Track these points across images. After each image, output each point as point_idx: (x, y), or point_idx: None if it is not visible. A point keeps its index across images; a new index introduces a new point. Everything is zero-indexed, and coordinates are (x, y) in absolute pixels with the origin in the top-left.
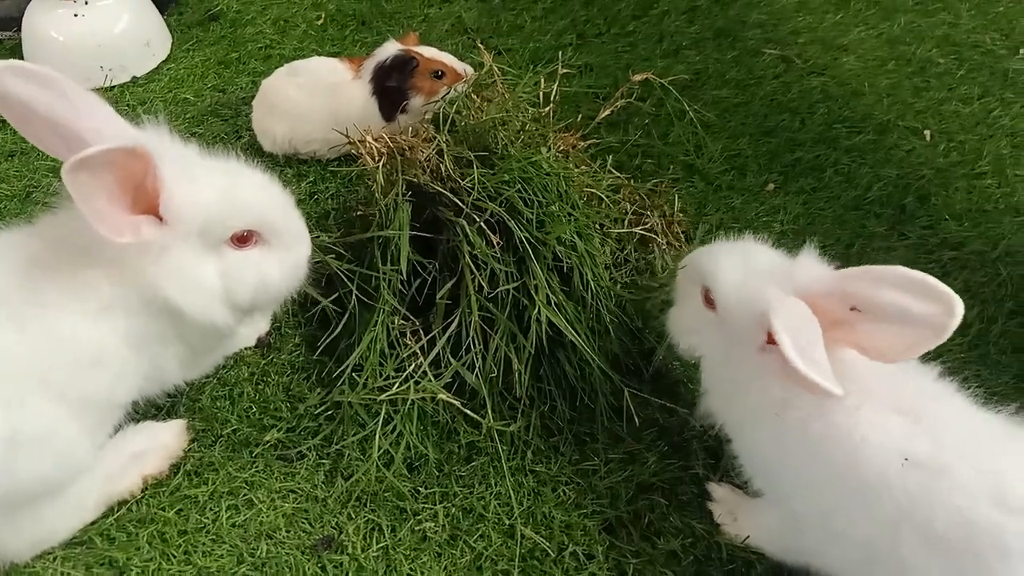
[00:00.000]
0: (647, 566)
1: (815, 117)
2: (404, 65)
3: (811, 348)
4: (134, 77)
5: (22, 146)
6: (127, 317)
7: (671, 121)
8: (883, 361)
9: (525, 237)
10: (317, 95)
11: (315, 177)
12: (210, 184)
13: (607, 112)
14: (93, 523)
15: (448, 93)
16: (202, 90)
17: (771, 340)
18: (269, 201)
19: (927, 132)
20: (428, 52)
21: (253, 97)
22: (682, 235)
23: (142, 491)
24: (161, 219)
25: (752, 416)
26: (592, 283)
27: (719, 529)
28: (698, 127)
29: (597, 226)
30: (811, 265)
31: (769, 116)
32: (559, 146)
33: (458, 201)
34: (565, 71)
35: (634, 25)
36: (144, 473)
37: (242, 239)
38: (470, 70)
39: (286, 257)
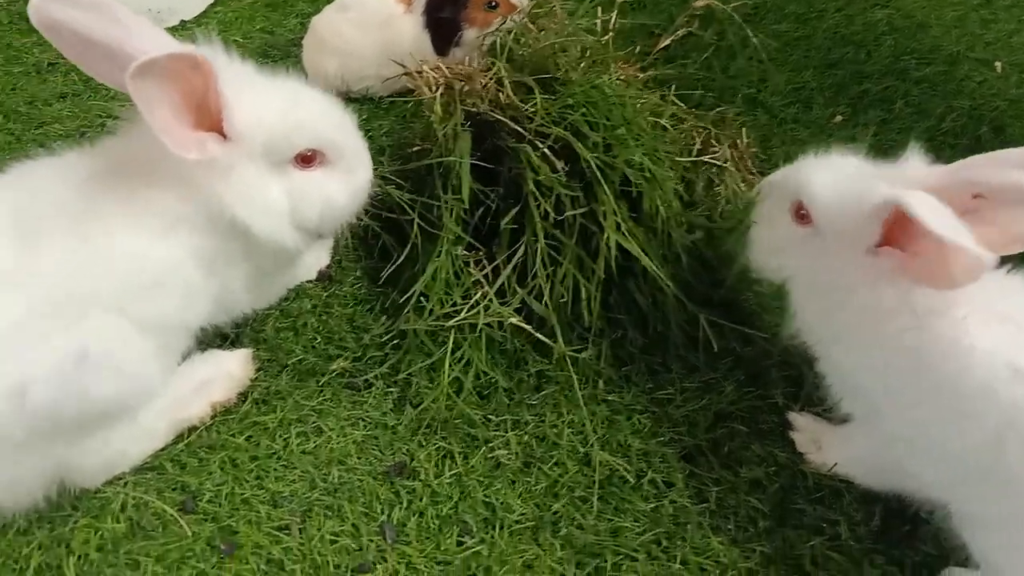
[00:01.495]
0: (729, 494)
1: (881, 49)
2: None
3: (948, 219)
4: (183, 20)
5: (74, 88)
6: (193, 236)
7: (731, 54)
8: (1015, 250)
9: (593, 160)
10: (368, 30)
11: (368, 115)
12: (273, 102)
13: (667, 41)
14: (163, 449)
15: (503, 24)
16: (250, 32)
17: (883, 242)
18: (333, 120)
19: (998, 64)
20: None
21: (302, 38)
22: (751, 166)
23: (211, 418)
24: (225, 137)
25: (850, 330)
26: (662, 209)
27: (803, 458)
28: (763, 56)
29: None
30: (920, 164)
31: (833, 49)
32: (619, 76)
33: (520, 128)
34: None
35: None
36: (212, 400)
37: (306, 159)
38: (524, 1)
39: (349, 179)
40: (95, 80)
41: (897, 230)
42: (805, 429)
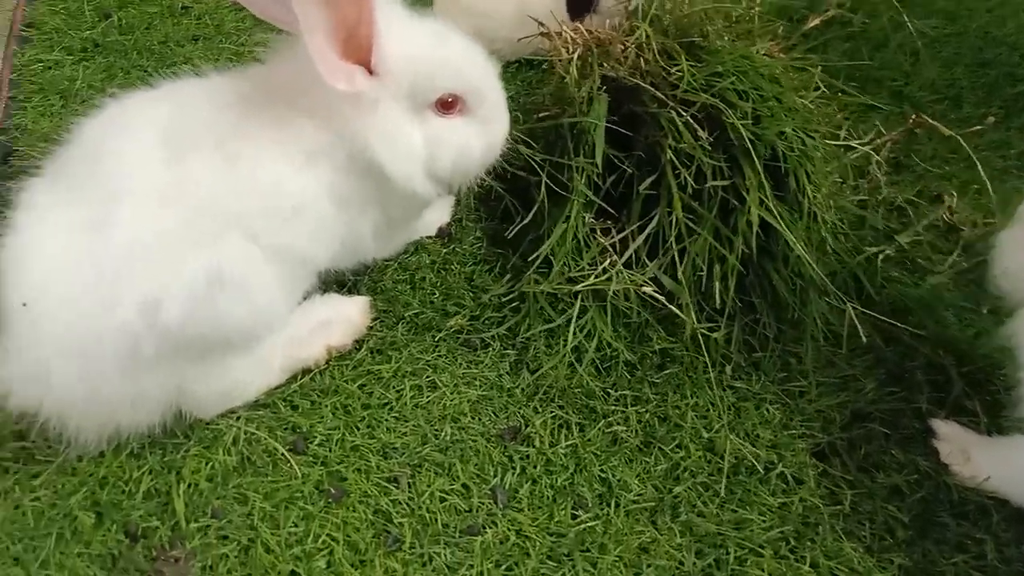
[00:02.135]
0: (865, 499)
1: None
2: None
3: None
4: None
5: (205, 32)
6: (331, 171)
7: (878, 43)
8: None
9: (743, 129)
10: None
11: None
12: (423, 41)
13: (816, 21)
14: (277, 388)
15: None
16: None
17: None
18: (478, 66)
19: None
20: None
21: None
22: (893, 160)
23: (326, 362)
24: (371, 72)
25: None
26: (810, 189)
27: (948, 469)
28: (917, 45)
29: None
30: None
31: (985, 48)
32: (764, 52)
33: (661, 94)
34: None
35: None
36: (329, 343)
37: (446, 105)
38: None
39: (486, 130)
40: (226, 25)
41: None
42: (952, 439)
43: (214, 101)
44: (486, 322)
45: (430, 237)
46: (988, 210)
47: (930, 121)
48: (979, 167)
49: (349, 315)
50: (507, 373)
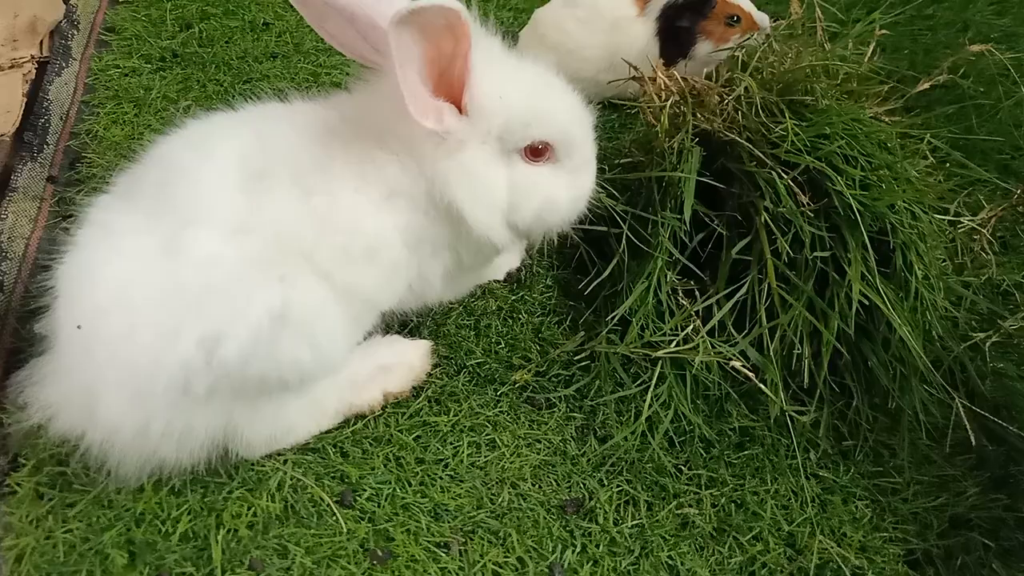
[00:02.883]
0: None
1: None
2: (701, 5)
3: None
4: None
5: (284, 49)
6: (409, 212)
7: (985, 115)
8: None
9: (851, 198)
10: (595, 29)
11: None
12: (519, 83)
13: (926, 85)
14: (328, 432)
15: (742, 40)
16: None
17: None
18: (575, 115)
19: None
20: None
21: (516, 32)
22: (999, 240)
23: (381, 408)
24: (462, 111)
25: None
26: (918, 268)
27: None
28: None
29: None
30: None
31: None
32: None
33: (760, 152)
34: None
35: (933, 8)
36: (387, 389)
37: (536, 152)
38: (767, 20)
39: (574, 182)
40: (305, 44)
41: None
42: None
43: (296, 130)
44: (552, 380)
45: (498, 281)
46: None
47: None
48: None
49: (410, 360)
50: (572, 438)
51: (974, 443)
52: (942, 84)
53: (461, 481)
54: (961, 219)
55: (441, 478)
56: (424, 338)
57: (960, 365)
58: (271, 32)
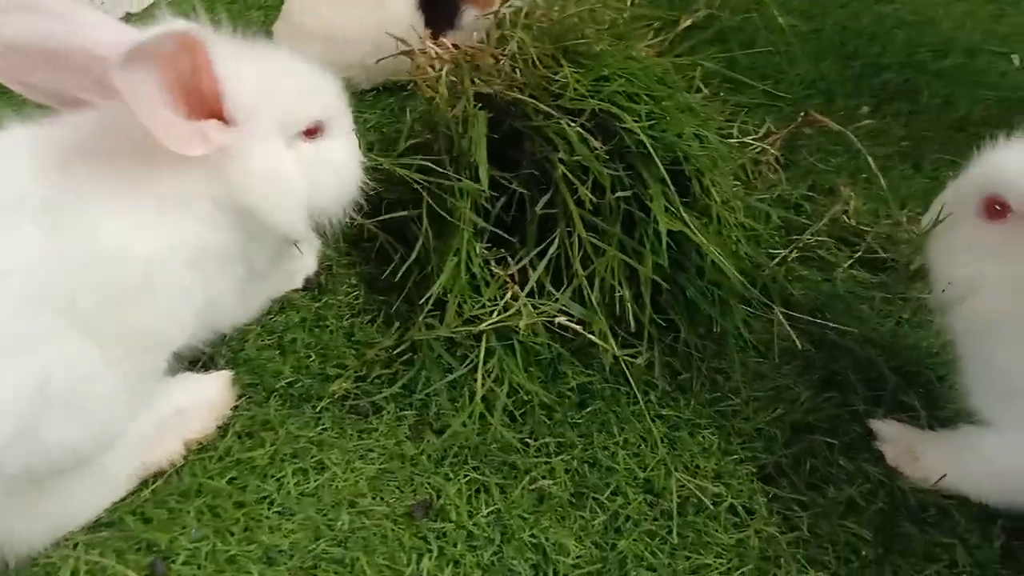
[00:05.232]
0: (821, 520)
1: (895, 43)
2: None
3: None
4: (128, 13)
5: None
6: (187, 224)
7: (746, 45)
8: None
9: (641, 133)
10: (353, 10)
11: (352, 108)
12: (275, 74)
13: (688, 22)
14: (123, 499)
15: (506, 4)
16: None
17: None
18: (333, 86)
19: (1015, 57)
20: None
21: (268, 31)
22: (779, 158)
23: (184, 458)
24: (227, 121)
25: None
26: (715, 192)
27: (898, 473)
28: (790, 41)
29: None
30: None
31: (846, 42)
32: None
33: (545, 106)
34: None
35: None
36: (187, 436)
37: (312, 131)
38: None
39: (349, 146)
40: None
41: None
42: (896, 439)
43: (37, 157)
44: (375, 382)
45: (297, 291)
46: (880, 199)
47: (819, 117)
48: (869, 160)
49: (208, 397)
50: (408, 438)
51: (798, 349)
52: (702, 21)
53: (292, 515)
54: (747, 140)
55: (268, 517)
56: (222, 369)
57: (772, 279)
58: None
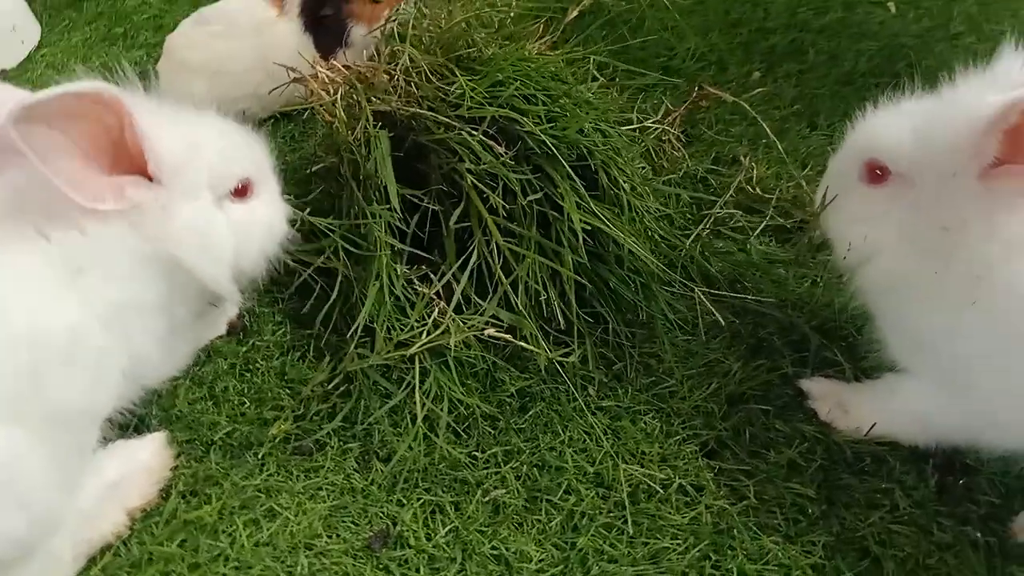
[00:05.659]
0: (767, 485)
1: (778, 5)
2: None
3: None
4: (3, 70)
5: None
6: (107, 283)
7: (634, 27)
8: None
9: (542, 134)
10: (234, 41)
11: None
12: (203, 133)
13: (575, 12)
14: None
15: (392, 19)
16: (88, 72)
17: (1001, 160)
18: (257, 144)
19: (891, 4)
20: None
21: (152, 70)
22: (681, 135)
23: (130, 527)
24: (151, 178)
25: (955, 278)
26: (622, 180)
27: (831, 427)
28: (677, 16)
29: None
30: (1015, 63)
31: (731, 10)
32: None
33: (445, 117)
34: None
35: None
36: (128, 505)
37: (241, 191)
38: None
39: (276, 204)
40: None
41: (1014, 144)
42: (825, 395)
43: None
44: (315, 419)
45: (222, 337)
46: (781, 162)
47: (713, 90)
48: (764, 126)
49: (144, 462)
50: (356, 471)
51: (723, 323)
52: (590, 7)
53: (249, 568)
54: (647, 124)
55: (225, 573)
56: (154, 430)
57: (689, 258)
58: None
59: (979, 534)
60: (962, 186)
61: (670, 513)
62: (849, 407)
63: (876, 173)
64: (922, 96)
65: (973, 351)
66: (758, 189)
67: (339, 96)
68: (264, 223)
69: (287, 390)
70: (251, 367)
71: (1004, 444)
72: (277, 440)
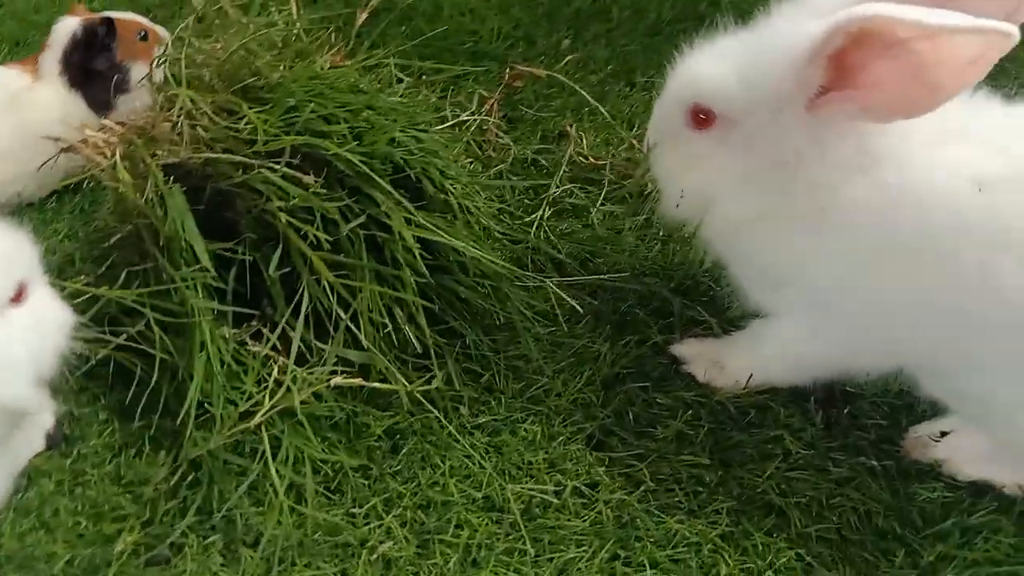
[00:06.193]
0: (660, 463)
1: None
2: (102, 37)
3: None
4: None
5: None
6: None
7: (431, 17)
8: None
9: (348, 154)
10: None
11: (34, 224)
12: None
13: (364, 15)
14: None
15: (160, 60)
16: None
17: (827, 87)
18: (27, 244)
19: None
20: (113, 15)
21: None
22: (502, 120)
23: None
24: None
25: (798, 211)
26: (448, 184)
27: (711, 388)
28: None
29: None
30: None
31: None
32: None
33: (241, 158)
34: None
35: None
36: None
37: (16, 296)
38: (162, 30)
39: (48, 292)
40: None
41: (839, 70)
42: (698, 356)
43: None
44: (165, 520)
45: (40, 454)
46: (608, 127)
47: (525, 68)
48: (583, 93)
49: None
50: (223, 566)
51: (581, 309)
52: (383, 3)
53: None
54: (463, 117)
55: None
56: None
57: (534, 248)
58: None
59: (875, 461)
60: (791, 119)
61: (569, 520)
62: (724, 362)
63: (701, 118)
64: (736, 32)
65: (828, 277)
66: (591, 159)
67: (118, 157)
68: (51, 319)
69: (127, 496)
70: (81, 480)
71: (875, 365)
72: (126, 555)
